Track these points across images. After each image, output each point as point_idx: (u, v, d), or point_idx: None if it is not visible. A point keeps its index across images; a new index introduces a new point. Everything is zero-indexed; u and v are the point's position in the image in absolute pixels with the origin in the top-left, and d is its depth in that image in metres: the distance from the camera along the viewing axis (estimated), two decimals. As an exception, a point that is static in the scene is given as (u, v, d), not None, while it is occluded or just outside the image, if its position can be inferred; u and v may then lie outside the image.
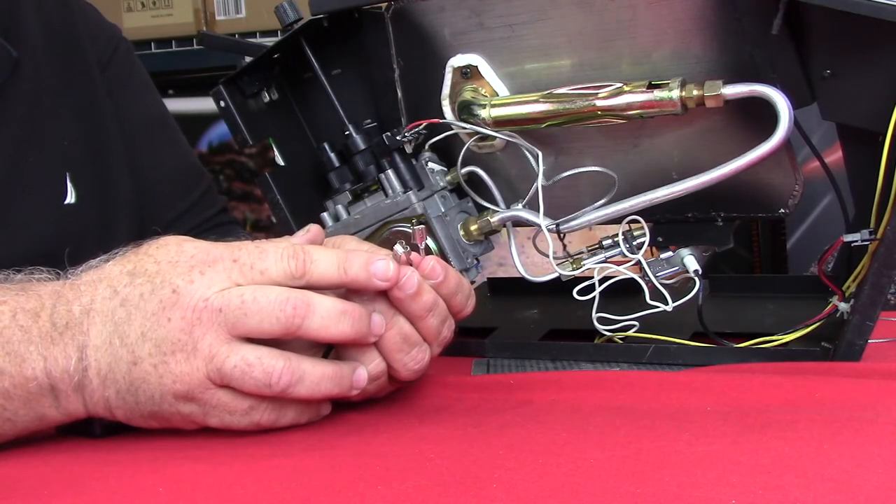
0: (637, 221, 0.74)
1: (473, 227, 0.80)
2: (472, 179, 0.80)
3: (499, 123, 0.76)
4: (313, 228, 0.66)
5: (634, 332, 0.75)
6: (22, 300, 0.59)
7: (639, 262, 0.75)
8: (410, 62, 0.81)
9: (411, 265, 0.63)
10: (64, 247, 0.69)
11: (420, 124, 0.79)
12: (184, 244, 0.60)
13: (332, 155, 0.84)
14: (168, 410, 0.58)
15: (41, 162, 0.87)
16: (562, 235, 0.76)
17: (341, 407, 0.64)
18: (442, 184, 0.81)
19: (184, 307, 0.57)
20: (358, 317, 0.59)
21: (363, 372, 0.61)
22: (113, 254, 0.61)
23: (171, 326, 0.57)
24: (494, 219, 0.79)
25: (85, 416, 0.60)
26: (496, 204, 0.80)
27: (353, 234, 0.80)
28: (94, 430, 0.61)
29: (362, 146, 0.82)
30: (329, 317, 0.58)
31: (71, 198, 0.88)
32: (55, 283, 0.61)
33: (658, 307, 0.74)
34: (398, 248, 0.63)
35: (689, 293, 0.73)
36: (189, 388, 0.57)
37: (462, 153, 0.78)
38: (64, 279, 0.61)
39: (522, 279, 0.79)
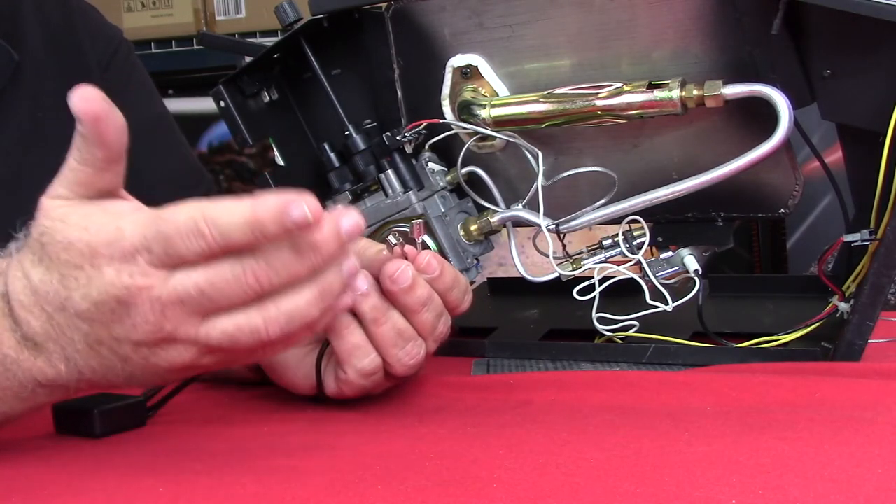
0: (637, 221, 0.74)
1: (473, 227, 0.80)
2: (472, 179, 0.80)
3: (499, 123, 0.76)
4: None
5: (634, 332, 0.75)
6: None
7: (639, 262, 0.75)
8: (410, 62, 0.81)
9: (406, 257, 0.63)
10: None
11: (420, 124, 0.79)
12: (90, 238, 0.55)
13: (332, 155, 0.84)
14: (178, 376, 0.58)
15: (43, 164, 0.86)
16: (562, 235, 0.76)
17: (341, 407, 0.64)
18: (442, 184, 0.81)
19: (140, 312, 0.54)
20: (322, 243, 0.55)
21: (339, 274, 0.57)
22: (16, 245, 0.59)
23: (140, 331, 0.55)
24: (494, 219, 0.79)
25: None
26: (496, 204, 0.80)
27: (353, 234, 0.80)
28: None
29: (362, 146, 0.82)
30: (290, 262, 0.55)
31: None
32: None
33: (658, 307, 0.74)
34: (391, 239, 0.63)
35: (689, 293, 0.73)
36: (186, 364, 0.56)
37: (462, 153, 0.78)
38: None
39: (522, 279, 0.79)
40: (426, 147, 0.80)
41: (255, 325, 0.55)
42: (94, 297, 0.55)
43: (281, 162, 0.87)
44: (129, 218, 0.57)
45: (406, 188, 0.80)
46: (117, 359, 0.56)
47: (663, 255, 0.76)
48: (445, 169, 0.82)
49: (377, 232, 0.80)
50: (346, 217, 0.56)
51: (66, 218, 0.57)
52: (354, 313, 0.63)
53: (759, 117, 0.70)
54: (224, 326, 0.55)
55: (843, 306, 0.71)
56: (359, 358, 0.62)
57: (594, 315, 0.75)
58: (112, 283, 0.55)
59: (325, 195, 0.84)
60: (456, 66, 0.78)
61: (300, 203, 0.54)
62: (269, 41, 0.85)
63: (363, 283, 0.62)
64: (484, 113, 0.76)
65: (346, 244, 0.56)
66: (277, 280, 0.55)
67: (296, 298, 0.56)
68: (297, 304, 0.56)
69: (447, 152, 0.81)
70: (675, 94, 0.69)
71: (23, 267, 0.58)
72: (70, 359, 0.56)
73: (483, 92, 0.78)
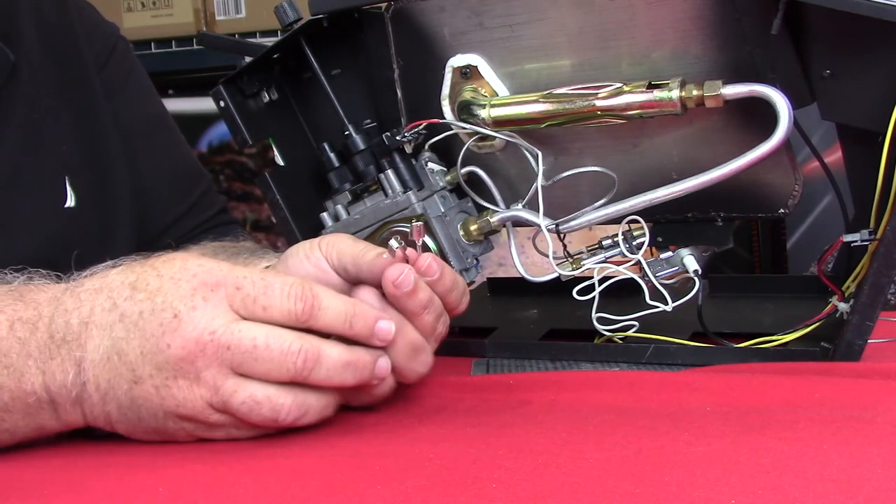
0: (637, 221, 0.74)
1: (473, 227, 0.80)
2: (472, 179, 0.80)
3: (498, 123, 0.76)
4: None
5: (634, 332, 0.75)
6: (20, 309, 0.58)
7: (639, 262, 0.75)
8: (410, 62, 0.81)
9: (407, 261, 0.63)
10: (65, 251, 0.69)
11: (420, 124, 0.79)
12: (188, 261, 0.58)
13: (332, 155, 0.84)
14: (172, 428, 0.58)
15: (41, 165, 0.86)
16: (562, 235, 0.76)
17: (341, 407, 0.64)
18: (442, 184, 0.81)
19: (185, 336, 0.56)
20: (361, 367, 0.59)
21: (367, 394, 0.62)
22: (120, 260, 0.60)
23: (171, 353, 0.56)
24: (494, 219, 0.79)
25: (84, 426, 0.59)
26: (496, 204, 0.80)
27: (353, 234, 0.80)
28: (92, 430, 0.61)
29: (362, 146, 0.82)
30: (334, 369, 0.58)
31: (71, 201, 0.87)
32: (56, 288, 0.59)
33: (658, 307, 0.74)
34: (393, 243, 0.63)
35: (689, 293, 0.73)
36: (192, 413, 0.57)
37: (462, 153, 0.78)
38: (66, 284, 0.60)
39: (522, 279, 0.79)
40: (426, 147, 0.80)
41: (279, 402, 0.57)
42: (156, 303, 0.56)
43: (281, 162, 0.87)
44: (235, 265, 0.59)
45: (406, 188, 0.80)
46: (130, 377, 0.56)
47: (663, 255, 0.76)
48: (445, 169, 0.82)
49: (377, 232, 0.80)
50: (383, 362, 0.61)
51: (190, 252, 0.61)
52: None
53: (759, 117, 0.70)
54: (254, 390, 0.57)
55: (843, 306, 0.71)
56: (378, 388, 0.63)
57: (594, 315, 0.75)
58: (182, 297, 0.56)
59: (325, 195, 0.84)
60: (456, 66, 0.78)
61: (390, 325, 0.60)
62: (269, 41, 0.85)
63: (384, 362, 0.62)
64: (484, 113, 0.76)
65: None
66: (315, 375, 0.57)
67: (321, 397, 0.59)
68: (318, 402, 0.59)
69: (447, 152, 0.81)
70: (675, 94, 0.69)
71: (108, 271, 0.59)
72: (82, 364, 0.56)
73: (483, 92, 0.78)
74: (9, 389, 0.57)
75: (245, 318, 0.57)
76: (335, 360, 0.58)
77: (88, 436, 0.61)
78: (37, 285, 0.60)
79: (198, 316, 0.56)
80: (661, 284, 0.74)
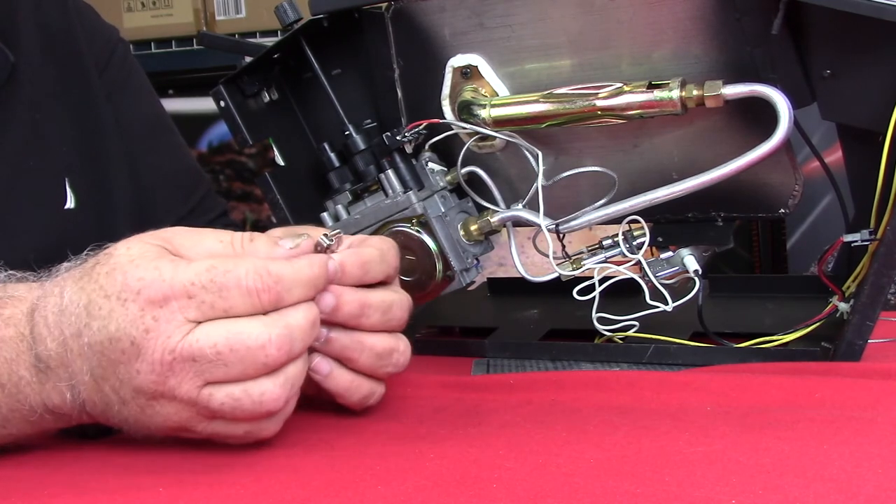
0: (637, 221, 0.74)
1: (473, 227, 0.80)
2: (472, 179, 0.80)
3: (499, 123, 0.76)
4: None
5: (634, 332, 0.75)
6: (0, 328, 0.57)
7: (639, 262, 0.75)
8: (410, 62, 0.81)
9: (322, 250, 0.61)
10: (65, 252, 0.69)
11: (420, 124, 0.79)
12: (128, 274, 0.54)
13: (332, 155, 0.84)
14: (171, 436, 0.57)
15: (41, 166, 0.86)
16: (561, 236, 0.76)
17: (341, 407, 0.64)
18: (442, 184, 0.81)
19: (149, 361, 0.54)
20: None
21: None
22: (71, 261, 0.58)
23: (142, 378, 0.54)
24: (494, 219, 0.79)
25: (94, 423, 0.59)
26: (496, 204, 0.80)
27: (353, 233, 0.80)
28: (87, 430, 0.61)
29: (362, 146, 0.82)
30: (308, 334, 0.57)
31: (71, 203, 0.87)
32: (28, 299, 0.58)
33: (658, 307, 0.74)
34: (322, 239, 0.60)
35: (689, 293, 0.73)
36: (181, 425, 0.56)
37: (462, 153, 0.78)
38: (33, 302, 0.58)
39: (522, 279, 0.79)
40: (426, 147, 0.80)
41: (259, 391, 0.55)
42: (111, 332, 0.54)
43: (281, 162, 0.87)
44: (176, 264, 0.55)
45: (406, 188, 0.80)
46: (116, 399, 0.56)
47: (663, 255, 0.76)
48: (445, 169, 0.82)
49: (377, 232, 0.80)
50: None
51: (132, 249, 0.56)
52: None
53: (759, 117, 0.70)
54: (229, 389, 0.55)
55: (843, 306, 0.71)
56: (352, 392, 0.62)
57: (594, 315, 0.75)
58: (133, 321, 0.54)
59: (325, 195, 0.84)
60: (456, 66, 0.78)
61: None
62: (269, 41, 0.85)
63: (323, 330, 0.59)
64: (484, 113, 0.76)
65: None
66: (291, 353, 0.55)
67: (300, 369, 0.57)
68: (298, 369, 0.57)
69: (447, 152, 0.81)
70: (675, 94, 0.69)
71: (64, 284, 0.57)
72: (75, 388, 0.56)
73: (483, 92, 0.78)
74: (6, 404, 0.56)
75: (204, 322, 0.54)
76: (307, 324, 0.56)
77: (82, 437, 0.61)
78: (10, 298, 0.58)
79: (152, 339, 0.54)
80: (662, 284, 0.74)
